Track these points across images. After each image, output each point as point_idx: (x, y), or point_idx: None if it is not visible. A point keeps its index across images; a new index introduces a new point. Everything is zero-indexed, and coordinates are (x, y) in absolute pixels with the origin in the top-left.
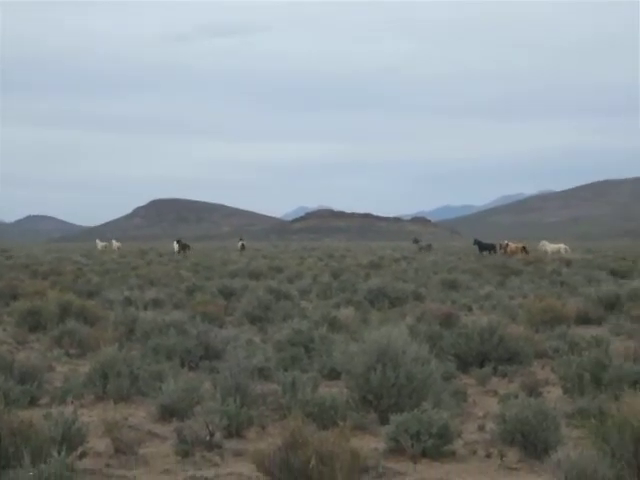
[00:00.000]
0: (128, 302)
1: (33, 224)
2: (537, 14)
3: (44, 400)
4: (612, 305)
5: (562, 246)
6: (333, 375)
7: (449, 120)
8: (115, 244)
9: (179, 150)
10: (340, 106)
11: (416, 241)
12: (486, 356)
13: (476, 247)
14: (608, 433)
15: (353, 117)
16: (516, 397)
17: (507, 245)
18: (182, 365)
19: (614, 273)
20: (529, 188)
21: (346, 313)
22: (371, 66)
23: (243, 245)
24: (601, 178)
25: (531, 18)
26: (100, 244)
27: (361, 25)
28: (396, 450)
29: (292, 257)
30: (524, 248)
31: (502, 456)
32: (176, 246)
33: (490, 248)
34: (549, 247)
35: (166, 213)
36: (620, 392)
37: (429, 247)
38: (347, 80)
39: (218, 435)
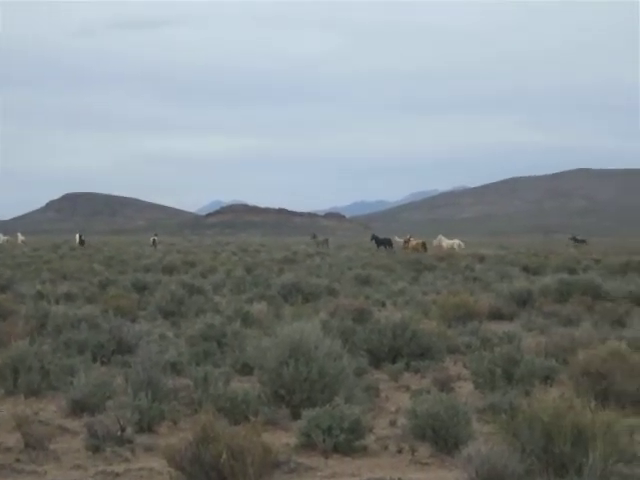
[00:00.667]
0: (40, 296)
1: None
2: (456, 20)
3: None
4: (524, 301)
5: (456, 242)
6: (246, 370)
7: (364, 115)
8: (20, 237)
9: (93, 143)
10: (257, 100)
11: (314, 236)
12: (399, 351)
13: (374, 242)
14: (518, 428)
15: (269, 112)
16: (428, 392)
17: (409, 239)
18: (94, 360)
19: (526, 269)
20: (443, 184)
21: (259, 308)
22: (287, 62)
23: (154, 241)
24: (514, 175)
25: (449, 23)
26: (2, 238)
27: (281, 19)
28: (308, 445)
29: (206, 252)
30: (424, 244)
31: (413, 451)
32: (77, 239)
33: (386, 243)
34: (444, 242)
35: (80, 207)
36: (531, 387)
37: (326, 242)
38: (263, 74)
39: (129, 430)
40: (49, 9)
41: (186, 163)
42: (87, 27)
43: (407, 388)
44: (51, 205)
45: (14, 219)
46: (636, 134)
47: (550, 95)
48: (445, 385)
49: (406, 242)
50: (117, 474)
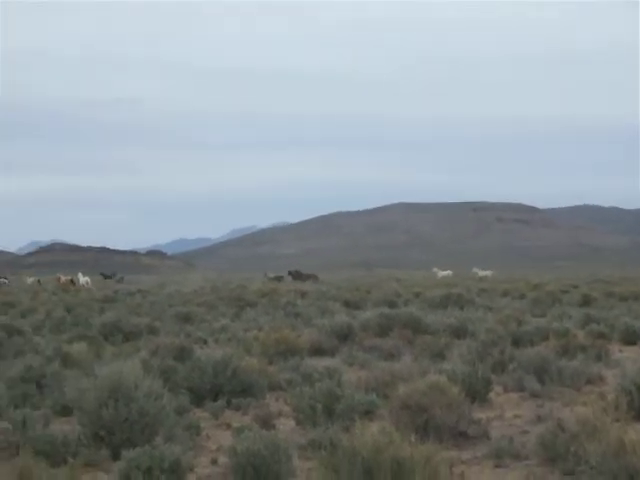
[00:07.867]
0: None
1: None
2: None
3: None
4: (345, 335)
5: (87, 279)
6: (66, 411)
7: (182, 153)
8: None
9: None
10: (69, 138)
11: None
12: (220, 389)
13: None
14: (339, 464)
15: (81, 149)
16: (249, 430)
17: (59, 278)
18: None
19: (347, 304)
20: (263, 221)
21: (79, 348)
22: (104, 98)
23: (39, 281)
24: (334, 210)
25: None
26: None
27: (104, 57)
28: None
29: (25, 292)
30: (72, 281)
31: None
32: None
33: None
34: (81, 279)
35: None
36: (351, 422)
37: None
38: (76, 110)
39: None
40: None
41: (1, 202)
42: None
43: (228, 426)
44: None
45: None
46: (452, 168)
47: (368, 130)
48: (266, 422)
49: (58, 280)
50: None
